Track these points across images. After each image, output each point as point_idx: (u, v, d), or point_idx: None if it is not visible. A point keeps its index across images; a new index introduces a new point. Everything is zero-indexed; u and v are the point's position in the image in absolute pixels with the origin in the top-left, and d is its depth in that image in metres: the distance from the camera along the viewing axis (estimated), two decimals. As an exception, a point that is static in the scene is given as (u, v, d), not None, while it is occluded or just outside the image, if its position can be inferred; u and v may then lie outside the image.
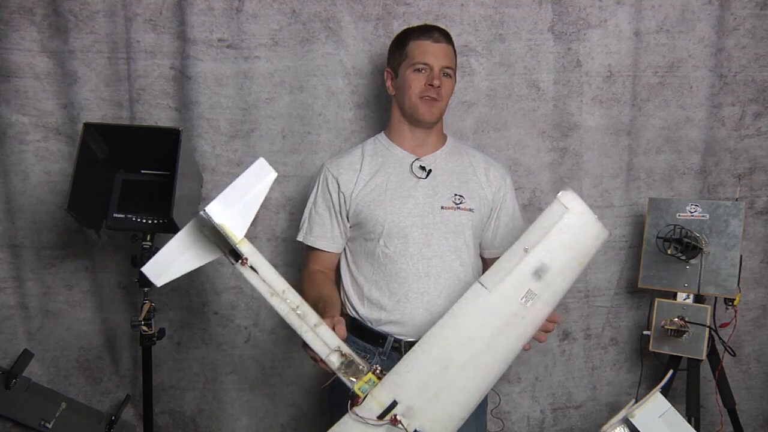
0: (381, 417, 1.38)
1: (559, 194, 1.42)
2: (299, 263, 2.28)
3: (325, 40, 2.21)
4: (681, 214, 2.14)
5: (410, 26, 1.88)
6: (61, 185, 2.22)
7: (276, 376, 2.37)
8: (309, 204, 1.86)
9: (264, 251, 2.28)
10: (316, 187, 1.86)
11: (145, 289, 1.95)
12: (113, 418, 2.25)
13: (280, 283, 1.39)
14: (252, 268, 1.39)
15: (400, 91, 1.81)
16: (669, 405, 1.53)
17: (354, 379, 1.39)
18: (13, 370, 2.16)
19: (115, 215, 1.99)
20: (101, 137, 1.91)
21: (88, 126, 1.88)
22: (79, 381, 2.36)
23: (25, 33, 2.15)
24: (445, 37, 1.80)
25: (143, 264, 1.93)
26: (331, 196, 1.81)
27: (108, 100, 2.21)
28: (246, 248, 1.37)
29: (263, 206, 2.27)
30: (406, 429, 1.39)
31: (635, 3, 2.28)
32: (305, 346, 1.41)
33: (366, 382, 1.39)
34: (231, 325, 2.32)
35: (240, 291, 2.32)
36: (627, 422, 1.51)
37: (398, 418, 1.38)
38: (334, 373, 1.40)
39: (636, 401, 1.56)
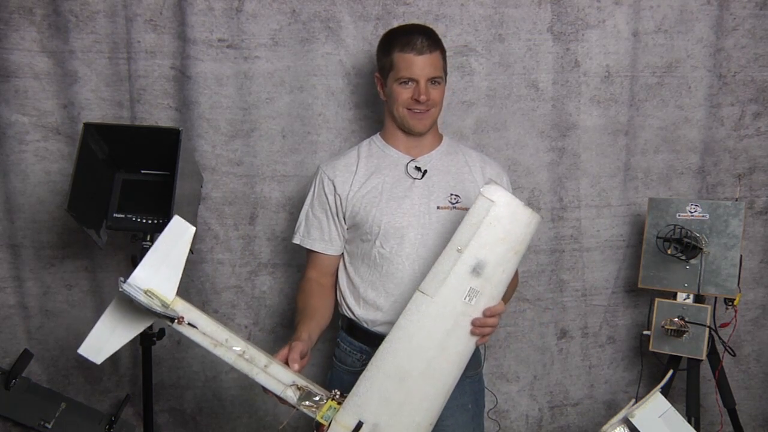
0: None
1: (482, 189, 1.43)
2: (298, 263, 2.28)
3: (325, 40, 2.21)
4: (681, 214, 2.14)
5: (393, 28, 1.86)
6: (61, 185, 2.22)
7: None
8: (305, 207, 1.86)
9: (264, 251, 2.30)
10: (312, 189, 1.85)
11: (146, 289, 1.95)
12: (113, 418, 2.25)
13: (221, 333, 1.40)
14: (190, 324, 1.39)
15: (389, 100, 1.80)
16: (669, 405, 1.53)
17: (315, 409, 1.40)
18: (12, 370, 2.16)
19: (115, 215, 2.00)
20: (101, 137, 1.92)
21: (88, 126, 1.88)
22: (78, 380, 2.36)
23: (25, 33, 2.14)
24: (430, 44, 1.74)
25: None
26: (327, 198, 1.81)
27: (108, 100, 2.21)
28: (180, 307, 1.39)
29: (263, 206, 2.31)
30: None
31: (633, 3, 2.28)
32: (264, 389, 1.42)
33: (327, 409, 1.40)
34: (231, 324, 2.32)
35: (240, 290, 2.32)
36: (627, 422, 1.51)
37: None
38: (294, 407, 1.41)
39: (636, 401, 1.56)
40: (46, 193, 2.24)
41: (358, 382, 1.41)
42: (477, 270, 1.43)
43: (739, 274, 2.07)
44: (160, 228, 1.96)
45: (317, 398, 1.41)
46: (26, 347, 2.26)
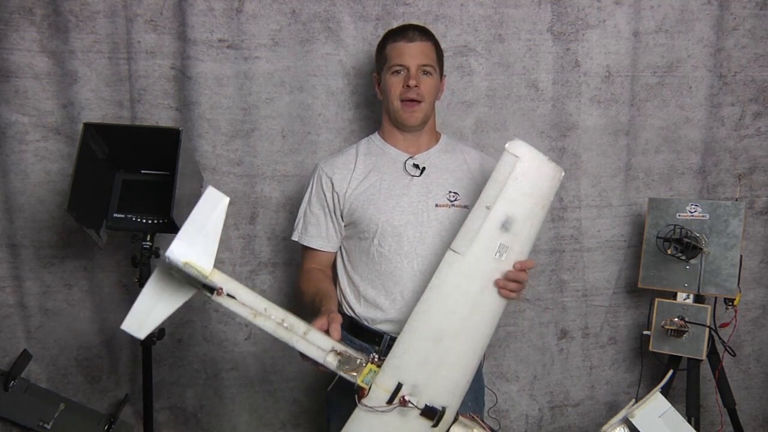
0: (390, 402, 1.40)
1: (507, 145, 1.44)
2: (298, 262, 2.28)
3: (325, 41, 2.21)
4: (681, 214, 2.14)
5: (390, 29, 1.88)
6: (61, 185, 2.22)
7: (276, 373, 2.37)
8: (304, 204, 1.86)
9: (264, 250, 2.30)
10: (310, 186, 1.85)
11: (146, 289, 1.95)
12: (112, 418, 2.25)
13: (260, 303, 1.40)
14: (229, 295, 1.39)
15: (384, 95, 1.81)
16: (669, 405, 1.53)
17: (355, 374, 1.40)
18: (11, 371, 2.16)
19: (115, 215, 2.00)
20: (101, 137, 1.92)
21: (88, 126, 1.88)
22: (78, 380, 2.36)
23: (25, 33, 2.15)
24: (422, 34, 1.78)
25: (143, 263, 1.95)
26: (325, 195, 1.81)
27: (108, 100, 2.21)
28: (218, 278, 1.37)
29: (263, 206, 2.31)
30: (416, 406, 1.40)
31: (634, 3, 2.28)
32: (302, 355, 1.42)
33: (367, 374, 1.40)
34: (232, 323, 2.33)
35: (240, 290, 2.32)
36: (627, 422, 1.51)
37: (406, 398, 1.40)
38: (336, 374, 1.41)
39: (636, 401, 1.56)
40: (46, 193, 2.24)
41: (395, 344, 1.42)
42: (506, 226, 1.44)
43: (739, 274, 2.07)
44: (160, 228, 1.97)
45: (357, 362, 1.41)
46: (25, 347, 2.26)
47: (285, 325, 1.40)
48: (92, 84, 2.19)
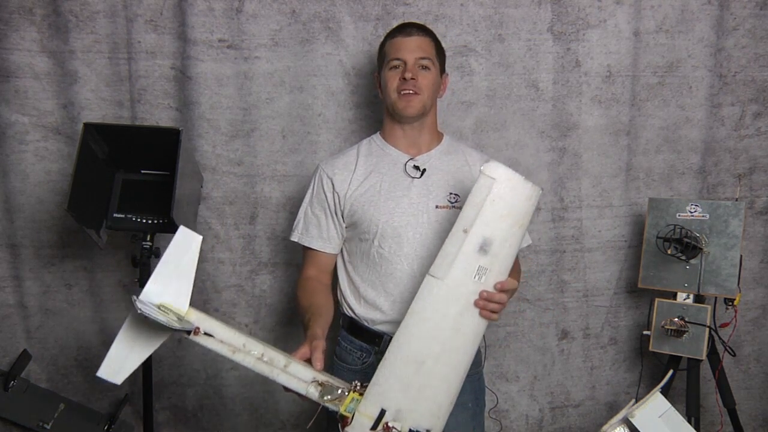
0: (374, 429, 1.39)
1: (482, 167, 1.44)
2: (298, 262, 2.28)
3: (325, 41, 2.21)
4: (681, 214, 2.14)
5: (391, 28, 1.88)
6: (61, 185, 2.22)
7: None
8: (304, 204, 1.86)
9: (264, 250, 2.30)
10: (311, 187, 1.85)
11: (146, 288, 1.95)
12: (112, 418, 2.25)
13: (238, 339, 1.40)
14: (206, 334, 1.39)
15: (383, 92, 1.81)
16: (669, 405, 1.53)
17: (338, 402, 1.41)
18: (11, 371, 2.16)
19: (115, 215, 2.00)
20: (101, 137, 1.92)
21: (88, 126, 1.88)
22: (77, 379, 2.36)
23: (25, 33, 2.15)
24: (420, 29, 1.79)
25: (143, 263, 1.95)
26: (326, 196, 1.81)
27: (108, 100, 2.21)
28: (194, 317, 1.38)
29: (263, 205, 2.31)
30: (399, 431, 1.40)
31: (634, 3, 2.28)
32: (285, 388, 1.42)
33: (350, 403, 1.40)
34: (232, 323, 2.32)
35: (241, 289, 2.32)
36: (627, 422, 1.51)
37: (390, 424, 1.40)
38: (319, 404, 1.41)
39: (636, 401, 1.56)
40: (46, 193, 2.24)
41: (377, 371, 1.42)
42: (484, 248, 1.44)
43: (739, 274, 2.07)
44: (160, 228, 1.98)
45: (339, 391, 1.41)
46: (25, 347, 2.26)
47: (265, 359, 1.40)
48: (92, 84, 2.19)
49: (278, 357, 1.40)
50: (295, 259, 2.29)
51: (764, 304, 2.49)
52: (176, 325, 1.34)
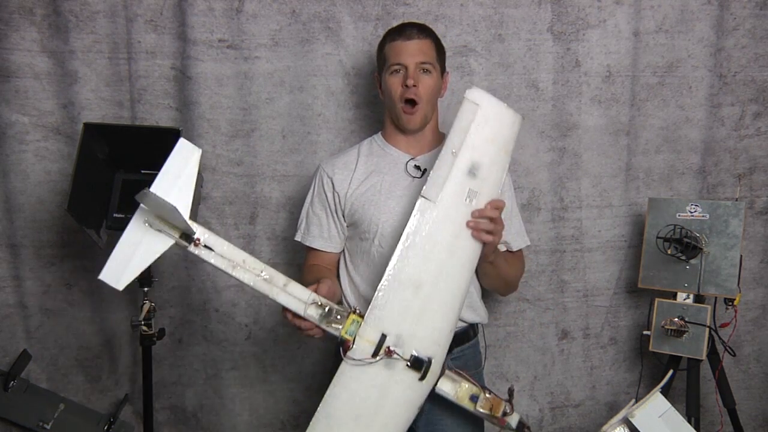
0: (375, 354, 1.40)
1: (466, 93, 1.48)
2: (298, 262, 2.28)
3: (325, 41, 2.21)
4: (681, 214, 2.14)
5: (390, 27, 1.87)
6: (61, 185, 2.22)
7: (276, 373, 2.37)
8: (306, 204, 1.87)
9: (264, 250, 2.30)
10: (312, 187, 1.86)
11: (145, 289, 1.96)
12: (111, 418, 2.25)
13: (238, 254, 1.40)
14: (206, 246, 1.38)
15: (385, 97, 1.81)
16: (669, 405, 1.53)
17: (338, 326, 1.40)
18: (11, 371, 2.16)
19: (115, 215, 1.99)
20: (101, 137, 1.92)
21: (88, 126, 1.88)
22: (77, 379, 2.36)
23: (25, 33, 2.15)
24: (420, 31, 1.77)
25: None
26: (326, 195, 1.81)
27: (108, 100, 2.21)
28: (195, 227, 1.37)
29: (263, 206, 2.31)
30: (402, 357, 1.40)
31: (634, 3, 2.28)
32: (284, 309, 1.43)
33: (351, 324, 1.40)
34: (232, 323, 2.33)
35: (241, 289, 2.32)
36: (627, 422, 1.51)
37: (391, 349, 1.40)
38: (317, 327, 1.41)
39: (636, 401, 1.56)
40: (46, 193, 2.24)
41: (376, 294, 1.43)
42: (473, 171, 1.48)
43: (739, 274, 2.07)
44: (160, 228, 1.97)
45: (340, 313, 1.41)
46: (25, 347, 2.26)
47: (264, 276, 1.40)
48: (92, 84, 2.19)
49: (278, 276, 1.41)
50: (296, 259, 2.29)
51: (764, 304, 2.49)
52: (182, 221, 1.31)
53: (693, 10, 2.30)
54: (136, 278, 1.91)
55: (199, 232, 1.39)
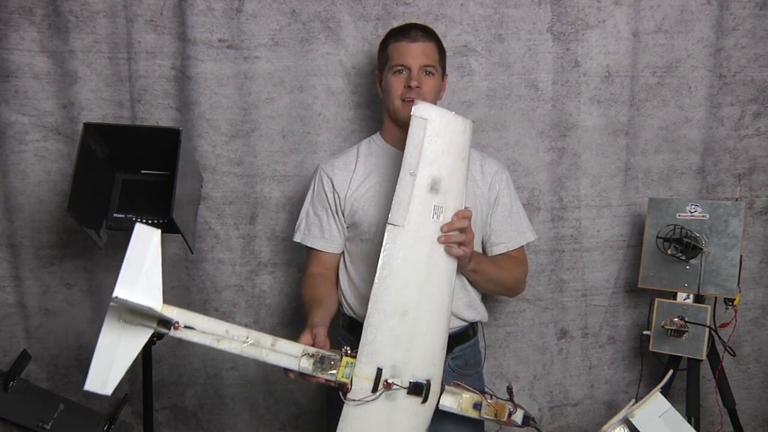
0: (375, 389, 1.40)
1: (413, 110, 1.48)
2: (298, 262, 2.29)
3: (325, 40, 2.21)
4: (681, 214, 2.14)
5: (393, 27, 1.87)
6: (61, 185, 2.22)
7: (276, 373, 2.36)
8: (305, 205, 1.87)
9: (264, 250, 2.30)
10: (312, 187, 1.86)
11: (145, 288, 1.95)
12: (111, 418, 2.25)
13: (219, 327, 1.40)
14: (187, 327, 1.38)
15: (385, 94, 1.81)
16: (669, 405, 1.53)
17: (333, 372, 1.40)
18: (11, 372, 2.16)
19: (115, 215, 2.00)
20: (101, 137, 1.92)
21: (88, 126, 1.88)
22: (77, 379, 2.36)
23: (25, 33, 2.15)
24: (425, 34, 1.78)
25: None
26: (326, 196, 1.81)
27: (108, 100, 2.21)
28: (171, 312, 1.37)
29: (263, 206, 2.31)
30: (402, 386, 1.40)
31: (634, 3, 2.28)
32: (286, 371, 1.42)
33: (345, 367, 1.40)
34: (231, 323, 2.32)
35: (240, 289, 2.32)
36: (627, 422, 1.51)
37: (389, 381, 1.41)
38: (314, 377, 1.41)
39: (636, 401, 1.56)
40: (46, 193, 2.24)
41: (363, 331, 1.43)
42: (434, 187, 1.48)
43: (739, 274, 2.07)
44: (160, 228, 1.96)
45: (332, 360, 1.41)
46: (25, 347, 2.26)
47: (250, 341, 1.40)
48: (92, 84, 2.19)
49: (264, 338, 1.41)
50: (295, 259, 2.29)
51: (764, 304, 2.49)
52: (157, 312, 1.32)
53: (692, 10, 2.30)
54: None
55: (176, 314, 1.37)
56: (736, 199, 2.13)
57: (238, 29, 2.18)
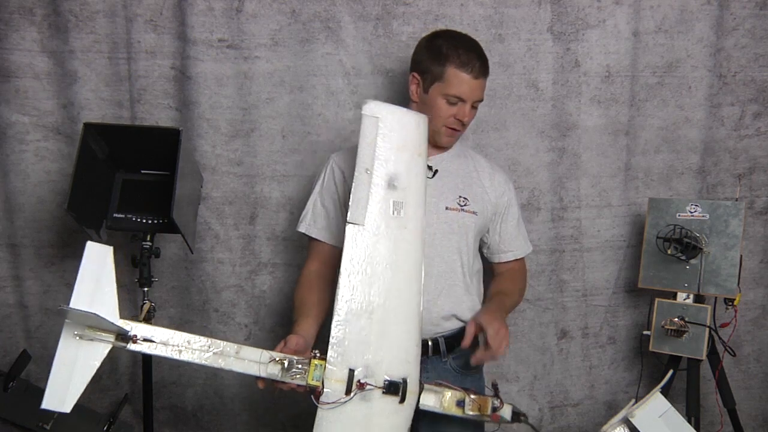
0: (348, 391, 1.37)
1: (363, 109, 1.46)
2: (298, 262, 2.29)
3: (325, 40, 2.21)
4: (681, 214, 2.14)
5: (449, 36, 1.80)
6: (61, 185, 2.22)
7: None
8: (313, 195, 1.86)
9: (264, 250, 2.30)
10: (321, 179, 1.85)
11: (145, 289, 1.96)
12: (112, 418, 2.25)
13: (179, 337, 1.37)
14: (146, 339, 1.36)
15: (424, 107, 1.76)
16: (669, 405, 1.53)
17: (303, 375, 1.38)
18: (11, 372, 2.16)
19: (115, 215, 2.00)
20: (101, 137, 1.92)
21: (88, 126, 1.88)
22: (78, 380, 2.36)
23: (25, 33, 2.15)
24: (484, 69, 1.76)
25: (143, 263, 1.95)
26: (337, 188, 1.81)
27: (108, 100, 2.21)
28: (127, 325, 1.35)
29: (263, 206, 2.31)
30: (376, 386, 1.38)
31: (634, 3, 2.28)
32: (257, 380, 1.41)
33: (315, 369, 1.38)
34: (231, 323, 2.33)
35: (240, 289, 2.32)
36: (627, 422, 1.51)
37: (362, 381, 1.38)
38: (284, 383, 1.39)
39: (636, 401, 1.56)
40: (46, 193, 2.24)
41: (331, 333, 1.40)
42: (392, 183, 1.47)
43: (739, 274, 2.07)
44: (160, 228, 1.97)
45: (300, 365, 1.39)
46: (25, 347, 2.26)
47: (213, 350, 1.38)
48: (92, 84, 2.19)
49: (227, 346, 1.39)
50: (295, 259, 2.29)
51: (764, 304, 2.49)
52: (115, 324, 1.31)
53: (692, 10, 2.29)
54: (137, 278, 1.94)
55: (133, 328, 1.35)
56: (736, 199, 2.13)
57: (238, 29, 2.18)
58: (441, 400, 1.46)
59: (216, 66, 2.19)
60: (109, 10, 2.16)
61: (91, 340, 1.35)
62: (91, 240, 1.91)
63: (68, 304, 1.30)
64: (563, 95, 2.31)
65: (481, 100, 1.79)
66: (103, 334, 1.35)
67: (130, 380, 2.38)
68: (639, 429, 1.49)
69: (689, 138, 2.37)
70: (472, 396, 1.47)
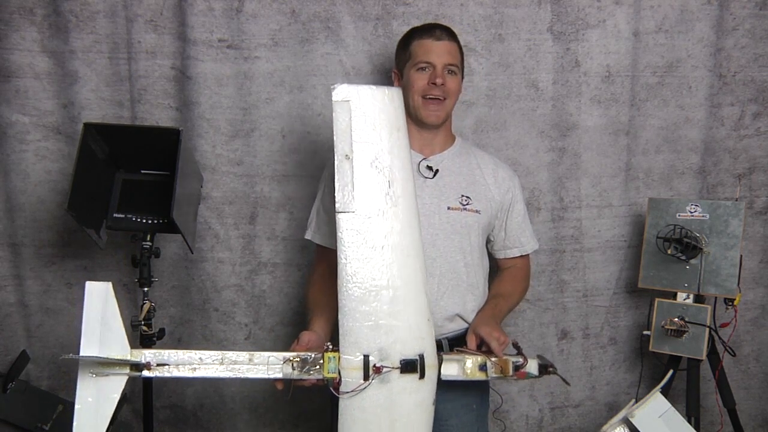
0: (366, 377, 1.38)
1: (333, 95, 1.42)
2: (298, 262, 2.29)
3: (325, 40, 2.21)
4: (681, 214, 2.14)
5: (415, 26, 1.87)
6: (61, 185, 2.22)
7: (276, 374, 2.38)
8: (316, 202, 1.87)
9: (264, 250, 2.30)
10: (323, 184, 1.86)
11: (145, 288, 1.95)
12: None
13: (192, 355, 1.39)
14: (160, 364, 1.38)
15: (405, 91, 1.77)
16: (669, 405, 1.54)
17: (318, 368, 1.39)
18: (10, 373, 2.15)
19: (115, 215, 1.99)
20: (101, 137, 1.91)
21: (88, 126, 1.87)
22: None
23: (25, 33, 2.15)
24: (448, 34, 1.79)
25: (143, 263, 1.95)
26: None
27: (109, 100, 2.21)
28: (141, 356, 1.37)
29: (263, 205, 2.31)
30: (393, 367, 1.38)
31: (634, 3, 2.28)
32: (274, 382, 1.42)
33: (329, 362, 1.38)
34: (231, 323, 2.33)
35: (240, 289, 2.32)
36: (627, 422, 1.51)
37: (378, 365, 1.38)
38: (301, 380, 1.40)
39: (636, 401, 1.56)
40: (47, 193, 2.24)
41: (340, 322, 1.40)
42: (375, 164, 1.43)
43: (739, 274, 2.07)
44: (160, 228, 1.97)
45: (314, 357, 1.40)
46: (25, 348, 2.26)
47: (227, 362, 1.39)
48: (92, 84, 2.20)
49: (239, 355, 1.39)
50: (295, 259, 2.29)
51: (764, 304, 2.49)
52: (129, 360, 1.33)
53: (693, 10, 2.30)
54: (137, 278, 1.94)
55: (146, 356, 1.37)
56: (736, 199, 2.13)
57: (238, 29, 2.18)
58: (463, 367, 1.46)
59: (216, 66, 2.19)
60: (110, 10, 2.16)
61: (107, 375, 1.36)
62: (93, 239, 1.93)
63: (78, 351, 1.32)
64: (563, 95, 2.31)
65: (457, 66, 1.78)
66: (118, 368, 1.36)
67: (130, 380, 2.37)
68: (639, 429, 1.49)
69: (689, 138, 2.37)
70: (493, 359, 1.47)
